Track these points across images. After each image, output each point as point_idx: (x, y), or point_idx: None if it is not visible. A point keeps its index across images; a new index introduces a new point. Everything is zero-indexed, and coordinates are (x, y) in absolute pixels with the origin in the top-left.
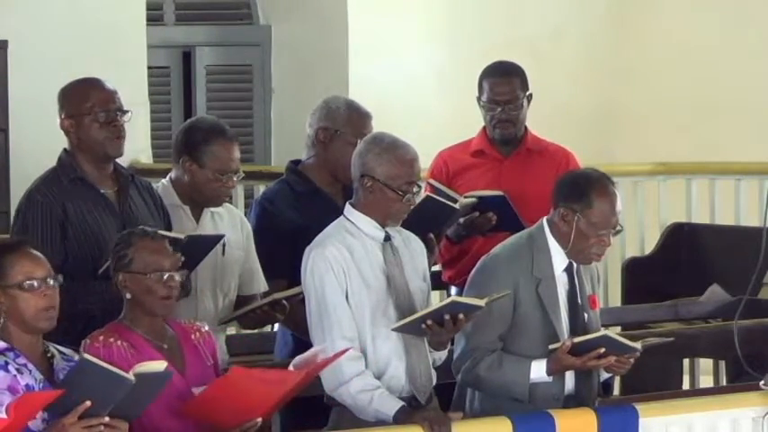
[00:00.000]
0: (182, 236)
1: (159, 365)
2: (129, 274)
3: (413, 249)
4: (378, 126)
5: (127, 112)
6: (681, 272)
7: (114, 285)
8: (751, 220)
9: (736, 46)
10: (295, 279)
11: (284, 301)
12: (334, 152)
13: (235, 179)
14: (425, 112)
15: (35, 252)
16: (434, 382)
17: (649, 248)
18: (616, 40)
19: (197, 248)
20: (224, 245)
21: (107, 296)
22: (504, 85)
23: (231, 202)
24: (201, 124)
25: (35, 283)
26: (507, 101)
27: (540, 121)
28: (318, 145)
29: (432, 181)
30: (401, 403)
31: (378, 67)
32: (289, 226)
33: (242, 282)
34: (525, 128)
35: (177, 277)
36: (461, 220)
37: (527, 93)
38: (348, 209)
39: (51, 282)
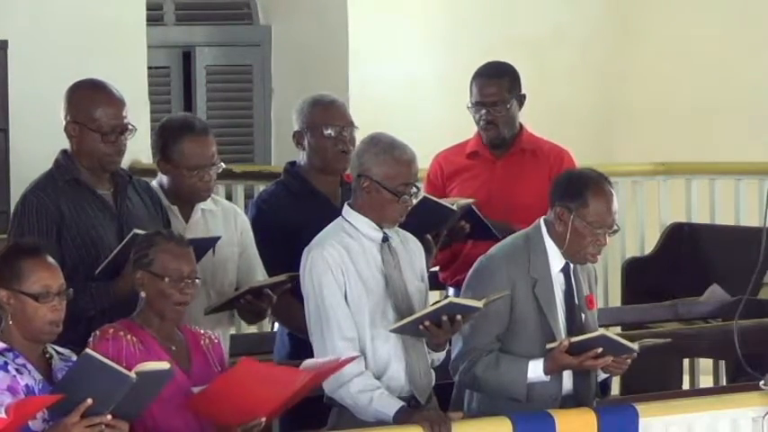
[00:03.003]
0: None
1: (161, 364)
2: (147, 274)
3: (411, 250)
4: (377, 127)
5: (132, 130)
6: (681, 272)
7: (125, 283)
8: (751, 220)
9: (736, 46)
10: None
11: (268, 291)
12: (312, 150)
13: (211, 172)
14: (425, 112)
15: (52, 261)
16: (433, 382)
17: (649, 248)
18: (616, 41)
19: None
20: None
21: (103, 297)
22: (490, 86)
23: (231, 199)
24: (171, 123)
25: (50, 297)
26: (493, 102)
27: (539, 121)
28: (299, 148)
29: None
30: (401, 403)
31: (378, 67)
32: (285, 227)
33: (241, 275)
34: (521, 127)
35: (194, 285)
36: None
37: (517, 94)
38: (346, 209)
39: (63, 295)
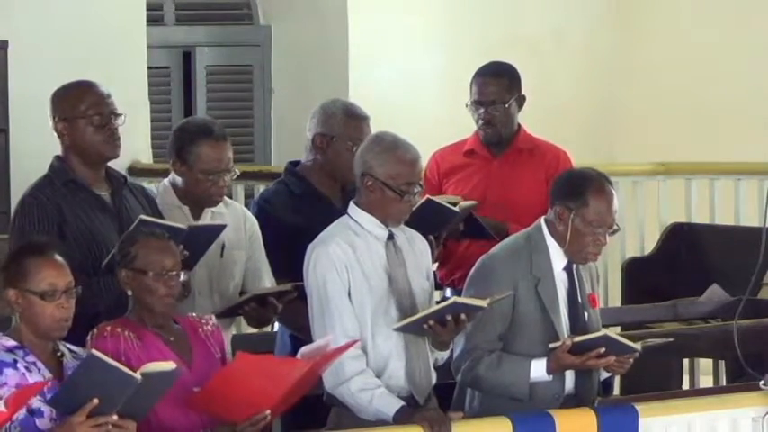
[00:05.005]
0: (183, 226)
1: (167, 365)
2: (131, 271)
3: (417, 248)
4: (377, 126)
5: (120, 115)
6: (681, 272)
7: (117, 281)
8: (751, 220)
9: (735, 46)
10: (294, 280)
11: (273, 299)
12: (331, 157)
13: (226, 179)
14: (425, 112)
15: (60, 259)
16: (434, 382)
17: (649, 248)
18: (616, 41)
19: (199, 239)
20: (223, 247)
21: (110, 292)
22: (489, 85)
23: (231, 198)
24: (189, 126)
25: (56, 295)
26: (491, 101)
27: (540, 121)
28: (316, 150)
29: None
30: (401, 403)
31: (378, 67)
32: (286, 227)
33: (247, 280)
34: (519, 127)
35: (178, 277)
36: None
37: (517, 95)
38: (352, 207)
39: (71, 293)
